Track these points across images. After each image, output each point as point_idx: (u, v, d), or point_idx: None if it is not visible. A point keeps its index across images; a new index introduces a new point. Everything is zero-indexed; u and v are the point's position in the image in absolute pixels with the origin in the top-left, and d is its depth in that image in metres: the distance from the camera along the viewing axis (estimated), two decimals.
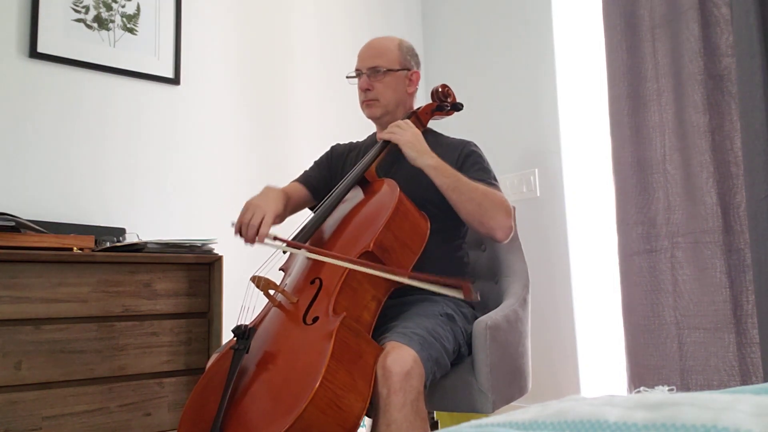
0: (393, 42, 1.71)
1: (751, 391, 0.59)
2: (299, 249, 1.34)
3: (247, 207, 1.43)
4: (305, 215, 1.60)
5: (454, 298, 1.46)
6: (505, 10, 2.75)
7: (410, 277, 1.28)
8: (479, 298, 1.46)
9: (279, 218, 1.48)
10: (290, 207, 1.64)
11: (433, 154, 1.49)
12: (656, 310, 2.00)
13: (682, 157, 1.99)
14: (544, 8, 2.56)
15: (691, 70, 1.97)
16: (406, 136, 1.50)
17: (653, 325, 2.00)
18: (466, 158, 1.61)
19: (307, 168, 1.79)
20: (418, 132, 1.53)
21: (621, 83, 2.14)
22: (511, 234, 1.51)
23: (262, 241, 1.37)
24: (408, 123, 1.55)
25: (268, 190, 1.53)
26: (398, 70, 1.66)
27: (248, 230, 1.38)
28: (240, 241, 1.43)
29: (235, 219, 1.43)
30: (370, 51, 1.68)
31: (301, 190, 1.70)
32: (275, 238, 1.35)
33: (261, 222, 1.37)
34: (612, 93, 2.17)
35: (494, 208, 1.47)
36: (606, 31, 2.20)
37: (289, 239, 1.36)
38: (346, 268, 1.27)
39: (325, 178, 1.73)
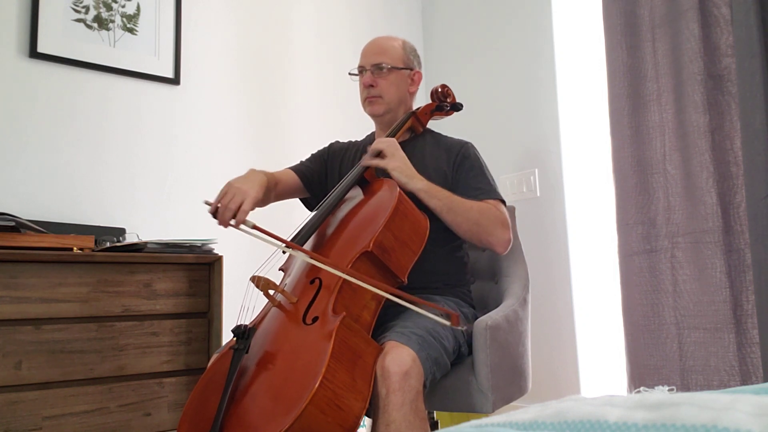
0: (397, 41, 1.71)
1: (751, 391, 0.59)
2: (282, 243, 1.31)
3: (227, 189, 1.37)
4: (303, 214, 1.61)
5: (450, 306, 1.46)
6: (505, 10, 2.75)
7: (405, 299, 1.26)
8: (467, 329, 1.44)
9: (259, 204, 1.42)
10: (277, 193, 1.61)
11: (422, 178, 1.48)
12: (656, 310, 2.00)
13: (682, 157, 1.99)
14: (544, 8, 2.56)
15: (691, 70, 1.97)
16: (395, 161, 1.48)
17: (653, 325, 2.00)
18: (463, 160, 1.60)
19: (304, 158, 1.78)
20: (404, 156, 1.51)
21: (621, 83, 2.14)
22: (510, 245, 1.52)
23: (237, 227, 1.33)
24: (395, 143, 1.53)
25: (252, 174, 1.48)
26: (402, 68, 1.66)
27: (224, 213, 1.32)
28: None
29: (212, 199, 1.37)
30: (374, 48, 1.68)
31: (293, 178, 1.68)
32: (254, 227, 1.30)
33: (239, 207, 1.33)
34: (612, 93, 2.17)
35: (491, 224, 1.47)
36: (606, 31, 2.20)
37: (289, 239, 1.36)
38: (347, 267, 1.27)
39: (320, 173, 1.72)
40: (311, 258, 1.29)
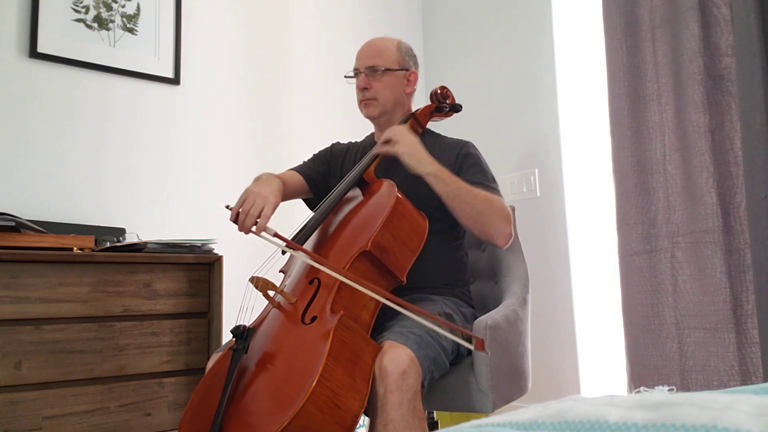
0: (392, 42, 1.71)
1: (751, 391, 0.59)
2: (296, 250, 1.34)
3: (247, 194, 1.38)
4: (304, 215, 1.61)
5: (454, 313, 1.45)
6: (506, 10, 2.75)
7: (423, 316, 1.23)
8: (488, 353, 1.42)
9: (276, 209, 1.43)
10: (284, 195, 1.60)
11: (433, 161, 1.48)
12: (656, 310, 2.00)
13: (682, 157, 1.99)
14: (544, 8, 2.56)
15: (691, 70, 1.96)
16: (404, 146, 1.48)
17: (653, 325, 2.00)
18: (465, 159, 1.60)
19: (307, 159, 1.78)
20: (415, 139, 1.52)
21: (621, 83, 2.14)
22: (511, 240, 1.52)
23: (258, 233, 1.33)
24: (404, 129, 1.54)
25: (268, 179, 1.49)
26: (397, 69, 1.66)
27: (246, 219, 1.33)
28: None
29: (232, 203, 1.38)
30: (368, 50, 1.68)
31: (298, 180, 1.69)
32: (275, 235, 1.32)
33: (260, 213, 1.34)
34: (612, 93, 2.17)
35: (495, 215, 1.47)
36: (606, 31, 2.20)
37: (289, 239, 1.36)
38: (345, 266, 1.27)
39: (323, 174, 1.73)
40: (316, 262, 1.29)
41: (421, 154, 1.48)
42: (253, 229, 1.34)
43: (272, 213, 1.36)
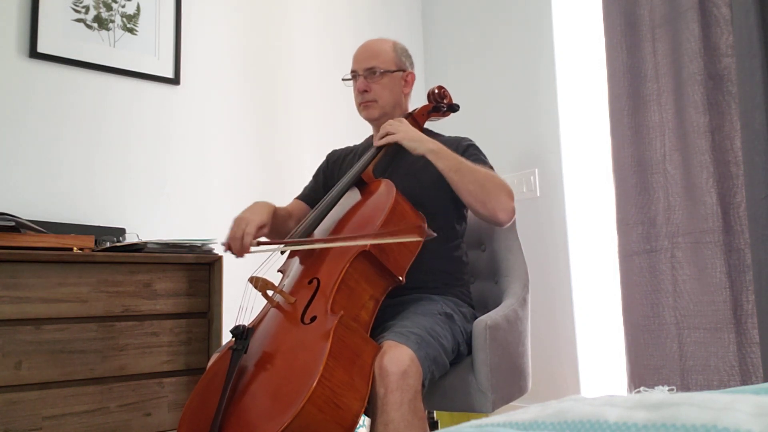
0: (387, 43, 1.71)
1: (751, 391, 0.59)
2: (282, 245, 1.36)
3: (232, 223, 1.44)
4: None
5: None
6: (506, 10, 2.75)
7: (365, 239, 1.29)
8: (434, 234, 1.40)
9: (264, 228, 1.46)
10: (293, 223, 1.65)
11: (433, 140, 1.50)
12: (656, 310, 2.00)
13: (682, 157, 1.99)
14: (544, 8, 2.56)
15: (691, 70, 1.96)
16: (401, 132, 1.51)
17: (653, 325, 2.00)
18: (464, 151, 1.61)
19: (307, 183, 1.81)
20: (409, 125, 1.55)
21: (621, 83, 2.14)
22: (514, 216, 1.51)
23: (248, 251, 1.38)
24: (397, 120, 1.57)
25: (254, 204, 1.53)
26: (394, 71, 1.66)
27: (234, 243, 1.39)
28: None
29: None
30: (365, 53, 1.68)
31: (303, 207, 1.71)
32: (259, 243, 1.37)
33: (244, 233, 1.38)
34: (612, 93, 2.17)
35: (497, 189, 1.47)
36: (606, 31, 2.20)
37: (286, 239, 1.36)
38: (341, 268, 1.27)
39: (324, 186, 1.74)
40: (326, 243, 1.31)
41: (420, 134, 1.52)
42: (252, 249, 1.38)
43: (255, 231, 1.40)
